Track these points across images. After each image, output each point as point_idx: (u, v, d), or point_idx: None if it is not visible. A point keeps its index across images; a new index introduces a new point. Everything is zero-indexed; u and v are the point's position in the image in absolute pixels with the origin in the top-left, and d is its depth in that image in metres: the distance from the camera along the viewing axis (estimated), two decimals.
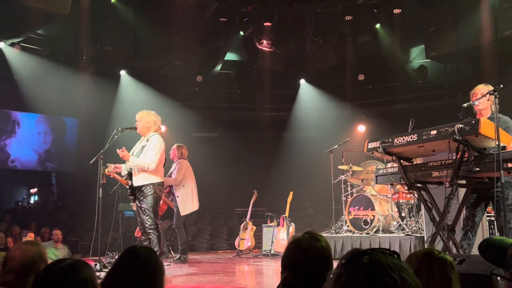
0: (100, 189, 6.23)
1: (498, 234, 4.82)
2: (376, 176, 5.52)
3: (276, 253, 8.87)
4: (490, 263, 1.88)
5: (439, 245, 4.73)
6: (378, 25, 11.67)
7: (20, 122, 11.91)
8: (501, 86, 4.62)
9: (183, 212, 7.95)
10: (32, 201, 16.54)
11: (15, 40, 9.97)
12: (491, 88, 4.72)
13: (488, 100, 4.72)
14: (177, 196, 7.99)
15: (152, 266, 2.08)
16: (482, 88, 4.85)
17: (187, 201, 8.01)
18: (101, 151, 6.29)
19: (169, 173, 8.11)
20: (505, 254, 1.73)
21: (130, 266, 2.05)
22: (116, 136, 6.36)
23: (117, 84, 11.38)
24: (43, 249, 2.70)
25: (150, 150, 6.17)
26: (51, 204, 14.76)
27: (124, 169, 6.31)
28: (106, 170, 6.15)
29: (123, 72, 11.37)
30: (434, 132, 4.38)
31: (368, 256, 1.24)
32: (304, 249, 2.10)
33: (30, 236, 8.40)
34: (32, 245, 2.68)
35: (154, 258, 2.11)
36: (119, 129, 6.45)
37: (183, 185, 8.01)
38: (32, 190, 16.81)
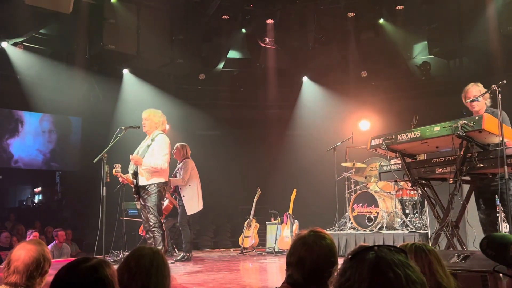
0: (104, 188, 6.25)
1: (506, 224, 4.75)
2: (380, 173, 5.53)
3: (280, 250, 8.88)
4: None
5: (443, 242, 4.73)
6: (381, 20, 11.62)
7: (24, 121, 11.94)
8: (505, 81, 4.60)
9: (189, 212, 7.99)
10: (36, 200, 16.60)
11: (18, 40, 9.98)
12: (481, 86, 4.74)
13: (479, 100, 4.75)
14: (183, 196, 8.01)
15: (160, 268, 2.10)
16: (473, 90, 4.87)
17: (193, 201, 8.04)
18: (105, 150, 6.32)
19: (174, 172, 8.12)
20: (506, 251, 1.72)
21: (136, 268, 2.06)
22: (119, 135, 6.39)
23: (120, 82, 11.38)
24: (46, 249, 2.70)
25: (158, 150, 6.20)
26: (55, 203, 14.81)
27: (130, 168, 6.34)
28: (114, 170, 6.18)
29: (125, 71, 11.37)
30: (437, 128, 4.38)
31: (374, 252, 1.25)
32: (309, 247, 2.10)
33: (34, 235, 8.44)
34: (35, 244, 2.68)
35: (160, 260, 2.13)
36: (123, 127, 6.48)
37: (189, 185, 8.04)
38: (36, 189, 16.85)
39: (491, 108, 4.85)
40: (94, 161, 6.37)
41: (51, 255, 2.76)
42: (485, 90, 4.66)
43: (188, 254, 7.92)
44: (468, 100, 4.81)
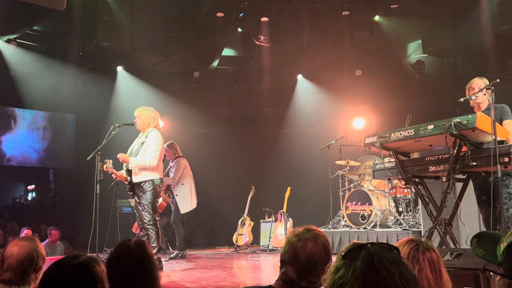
0: (98, 186, 6.24)
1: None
2: (373, 171, 5.54)
3: (274, 248, 8.89)
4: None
5: (436, 240, 4.75)
6: (377, 17, 11.61)
7: (17, 118, 11.87)
8: (498, 80, 4.62)
9: (182, 211, 7.99)
10: (29, 198, 16.53)
11: (12, 36, 9.92)
12: (486, 81, 4.74)
13: (485, 94, 4.74)
14: (176, 195, 8.00)
15: (147, 265, 2.09)
16: (479, 82, 4.87)
17: (186, 200, 8.04)
18: (98, 148, 6.30)
19: (165, 171, 8.10)
20: (496, 250, 1.73)
21: (122, 261, 2.05)
22: (113, 132, 6.37)
23: (114, 80, 11.34)
24: (40, 244, 2.70)
25: (149, 146, 6.19)
26: (49, 200, 14.76)
27: (124, 165, 6.32)
28: (104, 166, 6.16)
29: (120, 68, 11.33)
30: (431, 126, 4.40)
31: (367, 249, 1.25)
32: (303, 244, 2.10)
33: (26, 234, 8.41)
34: (28, 241, 2.68)
35: (146, 256, 2.11)
36: (116, 125, 6.47)
37: (182, 184, 8.02)
38: (30, 187, 16.79)
39: (495, 104, 4.85)
40: (88, 159, 6.36)
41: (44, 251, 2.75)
42: (489, 84, 4.65)
43: (182, 252, 7.92)
44: (472, 97, 4.80)
